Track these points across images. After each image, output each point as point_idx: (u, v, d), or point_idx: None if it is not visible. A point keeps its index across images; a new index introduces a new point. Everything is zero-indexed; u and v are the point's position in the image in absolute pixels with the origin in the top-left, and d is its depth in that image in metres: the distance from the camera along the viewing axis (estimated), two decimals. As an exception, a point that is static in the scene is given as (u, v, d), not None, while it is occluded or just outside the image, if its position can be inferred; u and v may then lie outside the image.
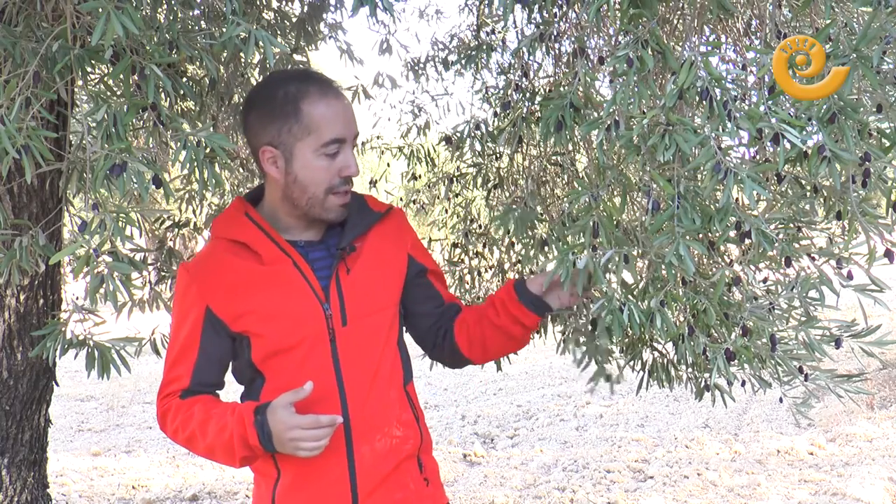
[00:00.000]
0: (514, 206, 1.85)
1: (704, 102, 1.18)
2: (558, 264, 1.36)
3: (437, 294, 1.54)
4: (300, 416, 1.27)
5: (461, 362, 1.56)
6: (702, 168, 1.19)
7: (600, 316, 1.40)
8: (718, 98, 1.17)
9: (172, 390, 1.41)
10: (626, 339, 2.24)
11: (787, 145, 1.18)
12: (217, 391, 1.45)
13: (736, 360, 1.37)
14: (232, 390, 1.46)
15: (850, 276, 1.35)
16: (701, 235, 1.37)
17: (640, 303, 1.37)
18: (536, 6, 1.68)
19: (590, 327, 1.45)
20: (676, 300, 1.34)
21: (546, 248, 1.82)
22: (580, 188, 1.34)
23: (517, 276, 2.65)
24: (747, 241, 1.30)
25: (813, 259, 1.39)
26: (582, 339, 1.42)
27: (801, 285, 1.36)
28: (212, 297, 1.39)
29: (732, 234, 1.30)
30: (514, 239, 2.26)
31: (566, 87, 1.41)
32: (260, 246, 1.39)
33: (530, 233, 1.96)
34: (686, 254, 1.19)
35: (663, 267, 1.29)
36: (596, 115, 1.38)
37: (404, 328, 1.54)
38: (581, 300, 1.48)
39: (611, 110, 1.28)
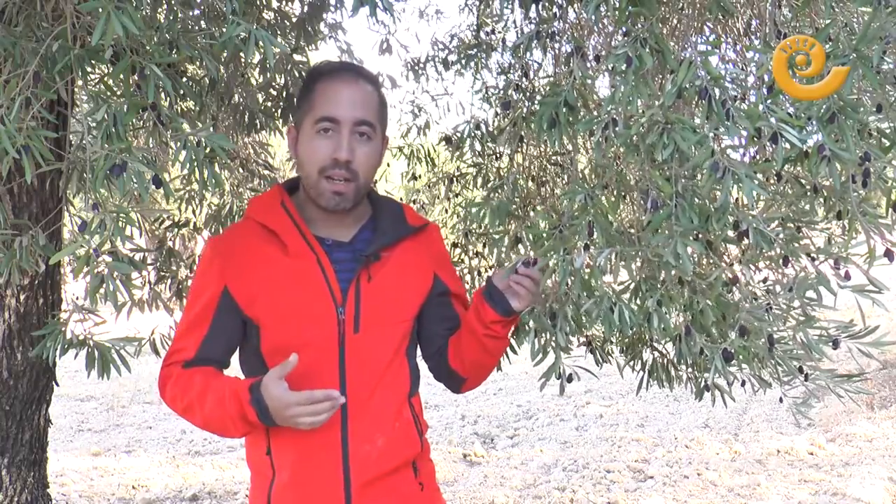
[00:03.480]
0: (490, 198, 1.84)
1: (703, 101, 1.17)
2: (544, 260, 1.35)
3: (454, 316, 1.51)
4: (295, 392, 1.26)
5: (456, 380, 1.52)
6: (700, 167, 1.19)
7: (560, 309, 1.38)
8: (717, 97, 1.17)
9: (177, 359, 1.41)
10: (626, 340, 2.24)
11: (787, 145, 1.18)
12: (221, 369, 1.44)
13: (735, 361, 1.37)
14: (235, 370, 1.46)
15: (847, 277, 1.34)
16: (700, 235, 1.37)
17: (634, 302, 1.36)
18: (534, 4, 1.68)
19: (549, 320, 1.43)
20: (673, 300, 1.34)
21: (518, 246, 1.80)
22: (577, 187, 1.34)
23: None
24: (745, 241, 1.29)
25: (812, 259, 1.39)
26: (540, 332, 1.40)
27: (799, 286, 1.36)
28: (231, 277, 1.39)
29: (731, 233, 1.30)
30: (519, 235, 2.26)
31: (562, 86, 1.40)
32: (288, 237, 1.39)
33: (508, 227, 1.95)
34: (684, 253, 1.18)
35: (659, 266, 1.29)
36: (592, 113, 1.38)
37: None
38: (540, 299, 1.42)
39: (608, 109, 1.27)
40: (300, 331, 1.36)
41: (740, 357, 1.37)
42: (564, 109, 1.35)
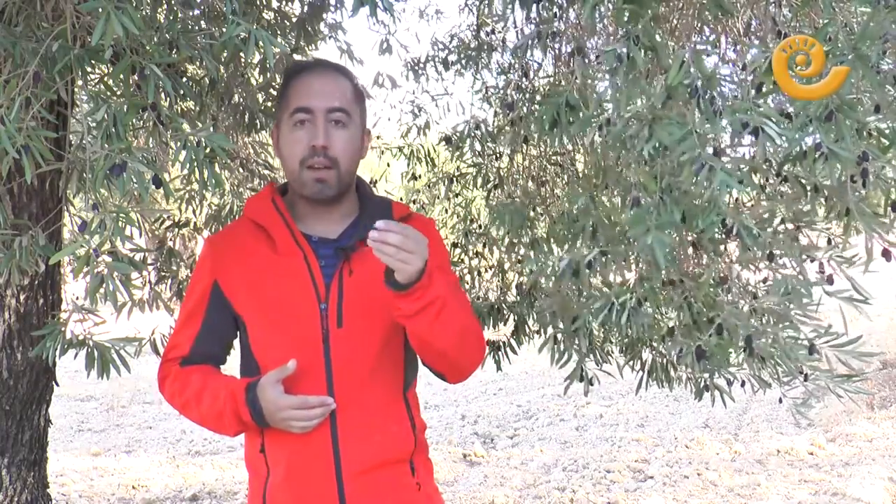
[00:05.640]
0: (508, 204, 1.84)
1: (693, 100, 1.17)
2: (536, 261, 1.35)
3: None
4: (289, 396, 1.30)
5: (434, 372, 1.46)
6: (682, 163, 1.17)
7: (581, 316, 1.38)
8: (707, 95, 1.16)
9: (174, 356, 1.44)
10: (626, 339, 2.24)
11: (785, 143, 1.18)
12: (217, 364, 1.47)
13: (707, 359, 1.36)
14: (233, 368, 1.47)
15: (830, 281, 1.34)
16: (685, 233, 1.36)
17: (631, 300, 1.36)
18: (535, 5, 1.68)
19: (571, 328, 1.43)
20: (666, 301, 1.34)
21: (545, 246, 1.80)
22: (580, 190, 1.34)
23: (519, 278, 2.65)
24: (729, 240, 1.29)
25: (809, 259, 1.39)
26: (563, 339, 1.40)
27: (776, 287, 1.35)
28: (221, 273, 1.41)
29: (719, 234, 1.30)
30: (513, 239, 2.26)
31: (564, 86, 1.40)
32: (277, 234, 1.41)
33: (529, 232, 1.95)
34: (658, 246, 1.15)
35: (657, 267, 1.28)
36: (590, 113, 1.37)
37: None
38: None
39: (603, 109, 1.27)
40: (284, 327, 1.37)
41: (716, 356, 1.36)
42: (566, 109, 1.34)
